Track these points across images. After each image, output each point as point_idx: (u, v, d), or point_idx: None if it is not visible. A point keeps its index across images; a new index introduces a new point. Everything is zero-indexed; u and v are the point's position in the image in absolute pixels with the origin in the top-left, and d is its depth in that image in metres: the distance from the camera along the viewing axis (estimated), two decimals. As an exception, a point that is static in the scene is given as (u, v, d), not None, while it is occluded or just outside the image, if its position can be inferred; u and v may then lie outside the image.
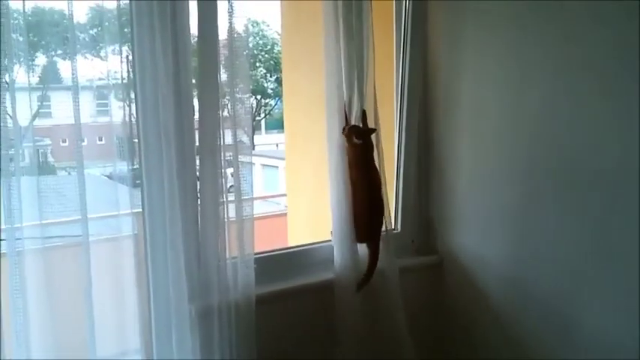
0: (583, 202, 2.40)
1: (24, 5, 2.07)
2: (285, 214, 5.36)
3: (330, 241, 2.80)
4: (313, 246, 2.91)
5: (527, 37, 2.56)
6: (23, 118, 2.14)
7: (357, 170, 2.70)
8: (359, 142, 2.66)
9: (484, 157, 2.83)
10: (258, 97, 11.05)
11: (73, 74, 2.15)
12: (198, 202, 2.43)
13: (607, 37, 2.26)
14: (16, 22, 2.07)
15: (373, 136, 2.71)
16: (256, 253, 2.53)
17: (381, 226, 2.76)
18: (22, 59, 2.10)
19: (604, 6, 2.26)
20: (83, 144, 2.24)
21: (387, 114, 3.03)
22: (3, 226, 2.10)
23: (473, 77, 2.83)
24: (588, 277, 2.41)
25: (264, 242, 2.80)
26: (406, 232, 3.13)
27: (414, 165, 3.10)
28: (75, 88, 2.15)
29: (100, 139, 2.47)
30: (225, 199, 2.42)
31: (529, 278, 2.66)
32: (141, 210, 2.39)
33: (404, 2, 3.00)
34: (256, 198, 2.57)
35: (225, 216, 2.44)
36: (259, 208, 2.47)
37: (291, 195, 5.19)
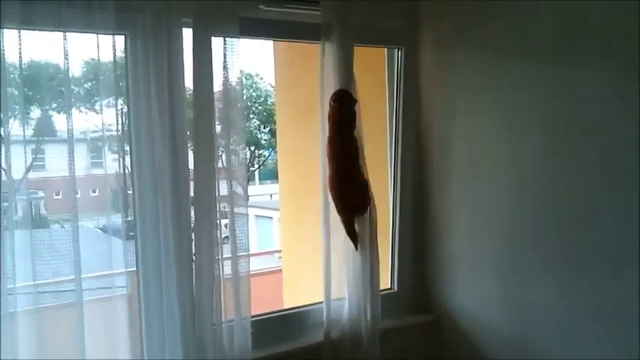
0: (582, 261, 2.39)
1: (20, 60, 2.07)
2: (280, 271, 5.30)
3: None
4: (312, 307, 2.85)
5: (520, 93, 2.58)
6: (17, 170, 2.12)
7: (335, 142, 2.64)
8: (334, 104, 2.62)
9: (479, 216, 2.82)
10: (252, 148, 11.11)
11: (68, 127, 2.15)
12: (193, 259, 2.39)
13: (601, 98, 2.28)
14: (12, 76, 2.07)
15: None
16: (253, 316, 2.50)
17: (356, 205, 2.69)
18: (17, 113, 2.10)
19: (598, 63, 2.29)
20: (77, 196, 2.23)
21: (381, 168, 3.07)
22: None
23: (466, 138, 2.85)
24: (587, 338, 2.38)
25: (259, 301, 2.76)
26: (402, 291, 3.11)
27: (409, 224, 3.10)
28: (70, 142, 2.15)
29: (94, 191, 2.46)
30: (220, 256, 2.39)
31: (526, 337, 2.63)
32: (135, 269, 2.35)
33: (396, 64, 3.07)
34: (252, 255, 2.55)
35: (221, 273, 2.40)
36: (253, 265, 2.44)
37: (286, 251, 5.15)
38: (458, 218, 2.93)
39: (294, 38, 2.99)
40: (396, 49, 3.07)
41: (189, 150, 2.38)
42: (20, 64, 2.07)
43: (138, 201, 2.34)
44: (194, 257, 2.39)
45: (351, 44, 2.64)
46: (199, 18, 2.35)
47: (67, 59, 2.14)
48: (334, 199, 2.65)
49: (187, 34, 2.36)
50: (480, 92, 2.77)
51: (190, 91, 2.37)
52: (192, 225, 2.38)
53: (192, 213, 2.38)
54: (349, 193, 2.66)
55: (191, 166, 2.39)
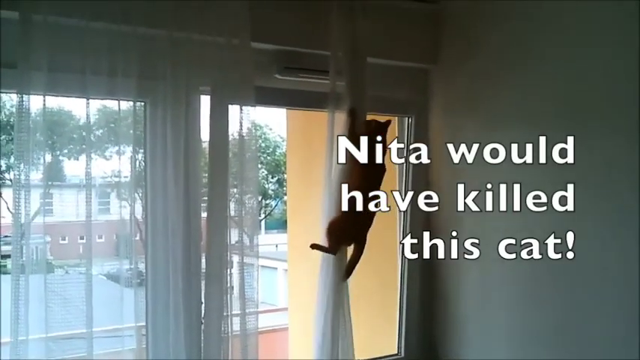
0: (587, 328, 2.39)
1: (44, 106, 2.11)
2: (287, 329, 5.18)
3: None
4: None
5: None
6: (25, 215, 2.12)
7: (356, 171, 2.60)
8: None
9: (488, 282, 2.80)
10: (259, 197, 11.11)
11: (87, 173, 2.18)
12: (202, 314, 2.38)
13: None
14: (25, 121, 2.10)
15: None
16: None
17: (368, 229, 2.63)
18: (28, 158, 2.11)
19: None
20: (82, 242, 2.22)
21: (391, 231, 3.06)
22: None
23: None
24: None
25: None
26: (410, 357, 3.07)
27: (418, 288, 3.09)
28: (88, 187, 2.17)
29: (100, 237, 2.46)
30: (229, 312, 2.38)
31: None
32: (144, 323, 2.34)
33: (406, 130, 3.11)
34: (261, 312, 2.54)
35: (230, 330, 2.38)
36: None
37: (293, 308, 5.03)
38: (467, 282, 2.91)
39: (309, 107, 3.08)
40: (407, 117, 3.12)
41: (201, 199, 2.40)
42: (44, 111, 2.12)
43: (150, 248, 2.35)
44: (203, 311, 2.37)
45: (364, 114, 2.69)
46: (217, 87, 2.42)
47: (89, 119, 2.20)
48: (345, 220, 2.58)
49: (205, 100, 2.43)
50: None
51: (205, 142, 2.41)
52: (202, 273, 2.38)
53: (203, 261, 2.37)
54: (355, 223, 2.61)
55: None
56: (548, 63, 2.54)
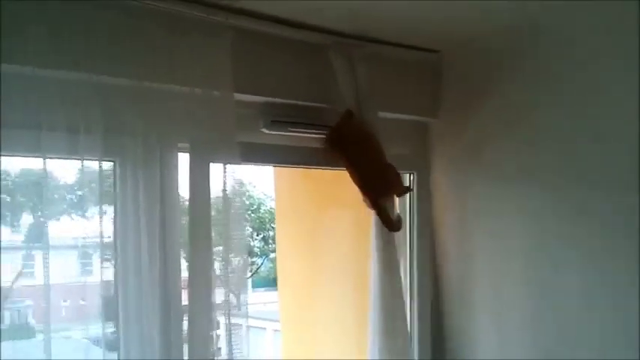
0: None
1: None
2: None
3: None
4: None
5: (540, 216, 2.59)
6: (6, 279, 2.08)
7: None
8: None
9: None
10: (245, 255, 10.93)
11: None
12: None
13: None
14: (5, 182, 2.07)
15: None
16: None
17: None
18: (7, 219, 2.08)
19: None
20: (65, 304, 2.17)
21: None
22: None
23: (484, 260, 2.83)
24: None
25: None
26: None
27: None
28: (45, 248, 2.00)
29: (84, 300, 2.41)
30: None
31: None
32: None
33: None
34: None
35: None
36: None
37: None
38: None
39: (299, 164, 2.90)
40: (408, 174, 3.06)
41: (181, 258, 2.25)
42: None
43: (122, 311, 2.18)
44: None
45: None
46: (197, 143, 2.25)
47: (46, 179, 2.04)
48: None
49: (183, 158, 2.26)
50: (491, 213, 2.79)
51: (185, 199, 2.27)
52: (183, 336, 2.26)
53: (185, 324, 2.25)
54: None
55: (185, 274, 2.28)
56: (551, 112, 2.52)
